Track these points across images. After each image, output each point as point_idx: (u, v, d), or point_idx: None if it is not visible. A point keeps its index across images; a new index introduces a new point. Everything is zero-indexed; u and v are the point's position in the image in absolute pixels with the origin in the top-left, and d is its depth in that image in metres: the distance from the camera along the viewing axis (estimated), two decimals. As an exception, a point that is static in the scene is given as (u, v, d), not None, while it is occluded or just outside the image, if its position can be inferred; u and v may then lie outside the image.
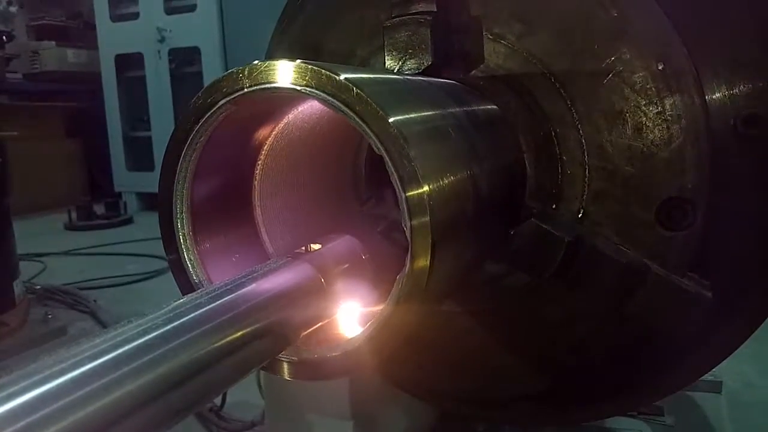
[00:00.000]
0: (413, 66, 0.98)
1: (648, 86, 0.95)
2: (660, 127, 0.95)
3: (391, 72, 0.98)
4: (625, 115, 0.96)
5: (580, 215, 1.00)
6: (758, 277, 1.01)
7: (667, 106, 0.94)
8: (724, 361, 1.05)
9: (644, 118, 0.95)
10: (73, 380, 0.41)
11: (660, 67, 0.94)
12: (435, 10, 0.98)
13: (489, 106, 1.00)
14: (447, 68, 1.02)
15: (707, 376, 1.26)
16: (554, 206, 1.01)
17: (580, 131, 0.99)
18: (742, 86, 0.97)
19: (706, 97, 0.96)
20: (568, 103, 0.99)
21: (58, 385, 0.40)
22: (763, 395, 1.97)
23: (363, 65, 1.15)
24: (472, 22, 1.05)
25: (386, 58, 0.99)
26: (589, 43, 0.97)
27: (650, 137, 0.95)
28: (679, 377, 1.10)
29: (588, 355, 1.05)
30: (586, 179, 0.99)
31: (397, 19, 0.99)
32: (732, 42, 0.99)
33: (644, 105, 0.95)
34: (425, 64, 0.97)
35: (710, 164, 0.94)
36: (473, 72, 1.07)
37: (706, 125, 0.94)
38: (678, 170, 0.94)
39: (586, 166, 0.99)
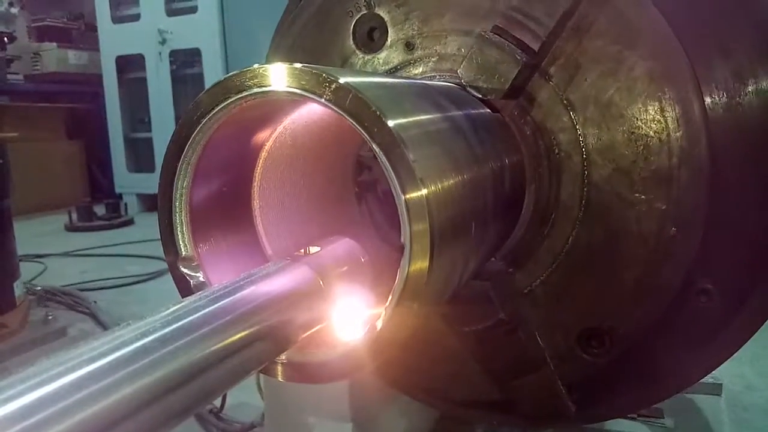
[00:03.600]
0: (480, 87, 0.96)
1: (652, 241, 0.96)
2: (637, 271, 0.98)
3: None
4: (618, 245, 0.98)
5: (526, 291, 1.05)
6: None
7: (653, 262, 0.97)
8: (725, 363, 1.06)
9: (630, 258, 0.98)
10: (71, 383, 0.41)
11: (672, 232, 0.95)
12: (536, 50, 0.94)
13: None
14: (506, 103, 1.00)
15: (707, 378, 1.26)
16: (511, 270, 1.05)
17: (574, 232, 1.01)
18: (715, 257, 0.98)
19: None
20: (583, 203, 1.00)
21: (56, 389, 0.40)
22: (763, 398, 1.97)
23: (435, 37, 1.06)
24: (555, 75, 1.00)
25: (463, 64, 0.97)
26: (638, 175, 0.96)
27: (624, 274, 0.99)
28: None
29: (465, 392, 1.13)
30: (550, 269, 1.03)
31: (498, 38, 0.94)
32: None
33: (638, 248, 0.98)
34: (491, 95, 0.95)
35: (655, 324, 0.98)
36: (525, 121, 1.03)
37: (675, 293, 0.97)
38: (625, 314, 0.99)
39: (557, 261, 1.03)
